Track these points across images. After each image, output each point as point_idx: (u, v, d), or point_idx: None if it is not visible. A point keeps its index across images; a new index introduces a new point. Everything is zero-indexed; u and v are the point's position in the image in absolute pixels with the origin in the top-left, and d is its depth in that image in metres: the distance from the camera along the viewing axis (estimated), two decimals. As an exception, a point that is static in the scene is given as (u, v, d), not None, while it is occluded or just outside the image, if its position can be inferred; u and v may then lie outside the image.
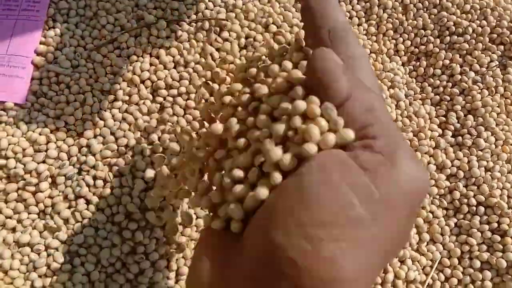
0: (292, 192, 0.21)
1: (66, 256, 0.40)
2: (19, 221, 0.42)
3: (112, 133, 0.44)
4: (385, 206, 0.21)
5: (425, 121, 0.50)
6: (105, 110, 0.45)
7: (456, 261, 0.45)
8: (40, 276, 0.40)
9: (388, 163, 0.21)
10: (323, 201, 0.20)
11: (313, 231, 0.20)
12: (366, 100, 0.23)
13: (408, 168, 0.21)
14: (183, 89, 0.46)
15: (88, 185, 0.42)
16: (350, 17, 0.54)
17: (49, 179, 0.43)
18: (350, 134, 0.22)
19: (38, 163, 0.43)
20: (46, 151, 0.43)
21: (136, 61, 0.47)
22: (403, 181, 0.21)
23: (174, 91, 0.46)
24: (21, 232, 0.41)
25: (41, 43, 0.48)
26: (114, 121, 0.45)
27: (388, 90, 0.51)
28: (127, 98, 0.45)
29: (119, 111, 0.45)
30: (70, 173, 0.42)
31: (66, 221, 0.42)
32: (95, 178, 0.42)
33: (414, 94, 0.53)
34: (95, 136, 0.44)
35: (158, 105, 0.45)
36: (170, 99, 0.46)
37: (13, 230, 0.41)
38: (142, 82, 0.46)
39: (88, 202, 0.42)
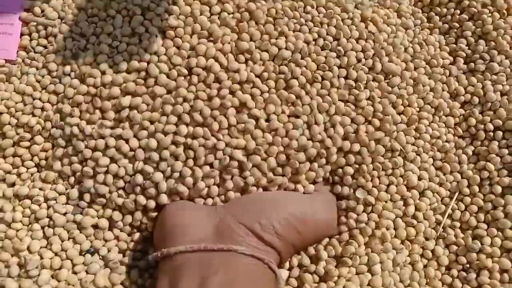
0: None
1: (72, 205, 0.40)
2: (18, 175, 0.41)
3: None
4: None
5: (435, 49, 0.48)
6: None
7: (476, 188, 0.43)
8: (42, 227, 0.39)
9: None
10: None
11: None
12: None
13: None
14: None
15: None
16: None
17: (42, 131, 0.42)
18: None
19: (29, 116, 0.42)
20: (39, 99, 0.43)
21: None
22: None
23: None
24: (20, 185, 0.40)
25: (27, -2, 0.47)
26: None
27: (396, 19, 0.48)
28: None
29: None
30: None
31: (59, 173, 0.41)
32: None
33: (421, 23, 0.50)
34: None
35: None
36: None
37: (13, 184, 0.41)
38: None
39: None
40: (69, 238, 0.39)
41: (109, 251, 0.39)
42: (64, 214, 0.39)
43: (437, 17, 0.50)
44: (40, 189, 0.40)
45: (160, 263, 0.36)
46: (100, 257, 0.39)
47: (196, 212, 0.38)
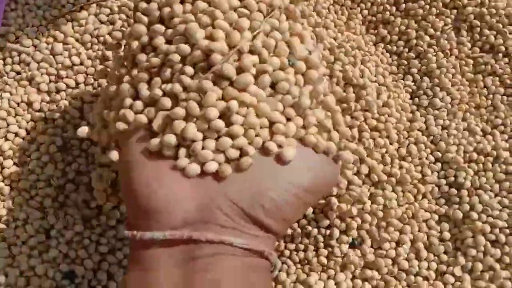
0: None
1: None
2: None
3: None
4: None
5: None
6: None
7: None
8: (10, 246, 0.41)
9: None
10: None
11: None
12: None
13: None
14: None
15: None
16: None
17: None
18: None
19: (1, 139, 0.44)
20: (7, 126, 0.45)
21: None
22: None
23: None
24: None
25: (3, 24, 0.49)
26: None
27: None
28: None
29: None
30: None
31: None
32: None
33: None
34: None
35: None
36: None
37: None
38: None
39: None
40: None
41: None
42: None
43: (388, 54, 0.55)
44: (10, 210, 0.42)
45: (132, 246, 0.30)
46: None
47: (178, 180, 0.29)
